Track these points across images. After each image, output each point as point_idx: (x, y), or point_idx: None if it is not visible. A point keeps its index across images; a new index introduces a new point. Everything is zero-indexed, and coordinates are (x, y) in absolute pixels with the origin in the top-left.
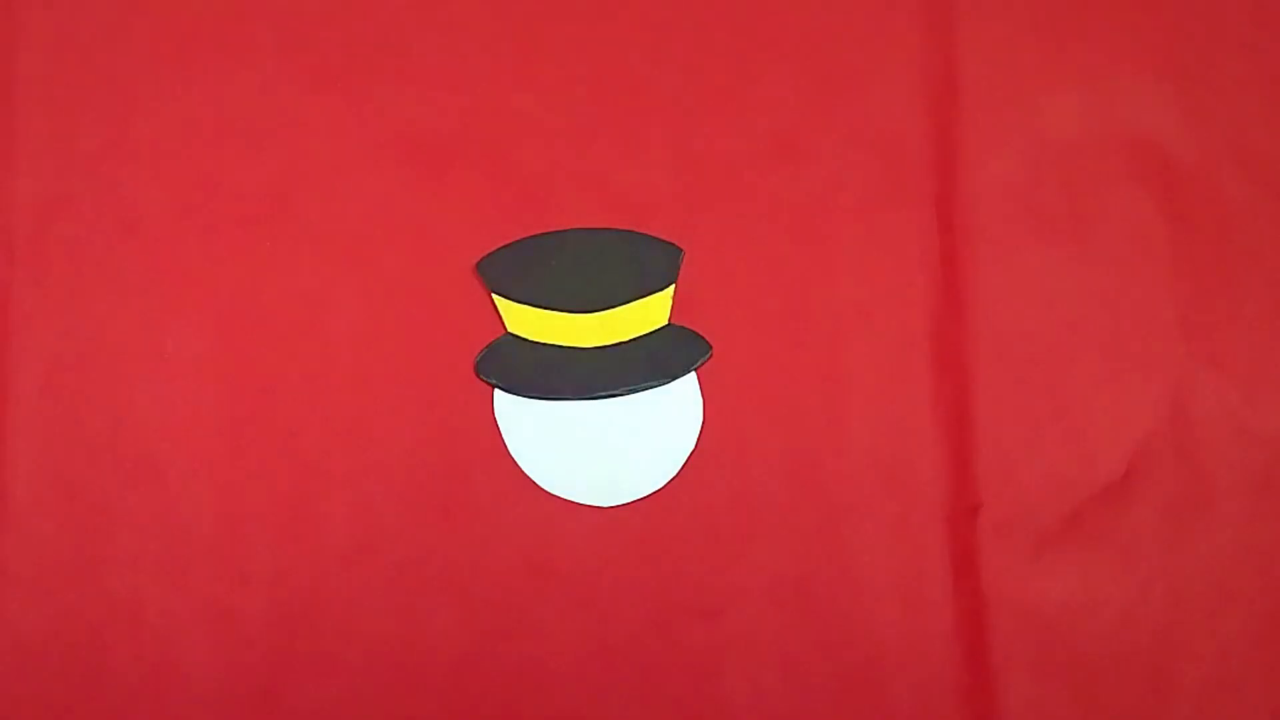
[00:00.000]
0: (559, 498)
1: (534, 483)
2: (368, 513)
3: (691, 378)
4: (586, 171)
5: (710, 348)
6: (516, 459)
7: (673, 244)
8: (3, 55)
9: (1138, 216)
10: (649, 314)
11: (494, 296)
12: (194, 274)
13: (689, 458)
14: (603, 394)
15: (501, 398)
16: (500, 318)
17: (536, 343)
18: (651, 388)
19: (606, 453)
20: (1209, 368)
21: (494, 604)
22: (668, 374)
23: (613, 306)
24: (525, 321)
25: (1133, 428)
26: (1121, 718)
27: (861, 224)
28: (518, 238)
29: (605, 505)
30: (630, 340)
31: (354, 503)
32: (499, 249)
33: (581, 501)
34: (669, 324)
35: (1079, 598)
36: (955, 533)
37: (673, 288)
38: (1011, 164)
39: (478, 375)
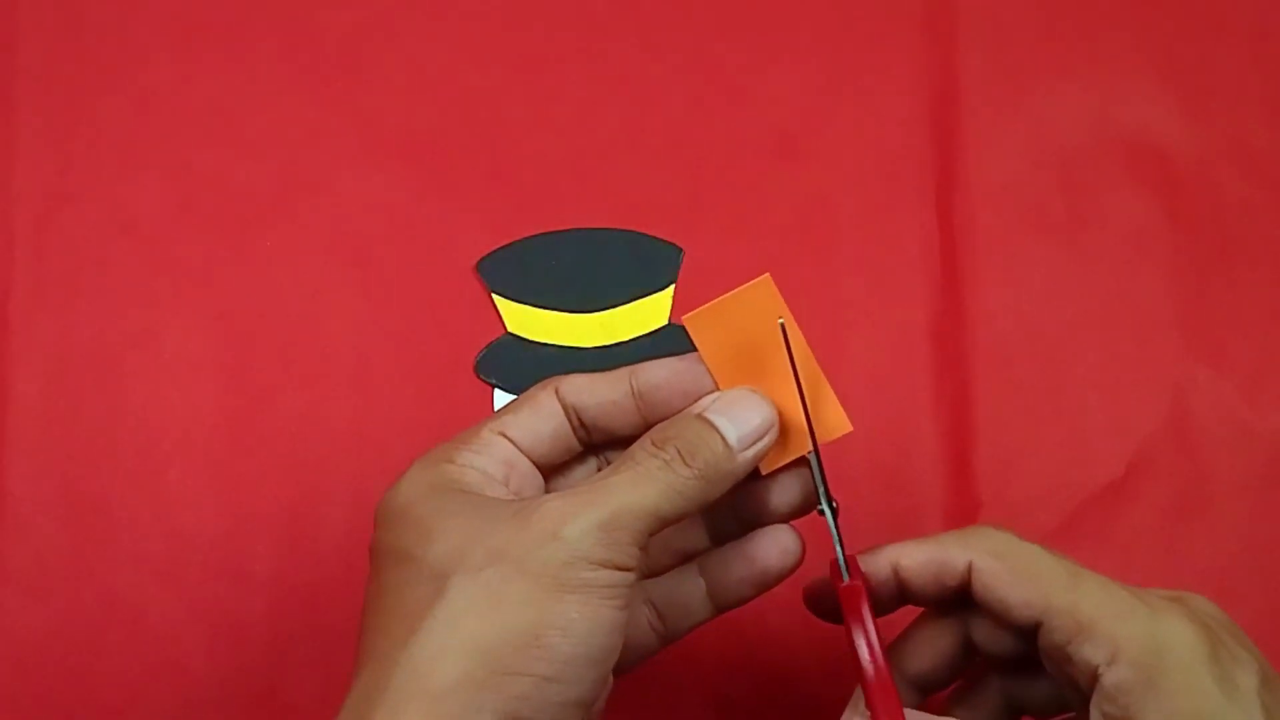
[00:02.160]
0: None
1: None
2: (368, 513)
3: None
4: (586, 171)
5: None
6: None
7: (673, 244)
8: (2, 54)
9: (1138, 216)
10: (649, 314)
11: (494, 296)
12: (194, 274)
13: None
14: None
15: (501, 398)
16: (500, 318)
17: (536, 343)
18: None
19: None
20: (1209, 368)
21: None
22: None
23: (613, 306)
24: (525, 321)
25: (1133, 428)
26: None
27: (861, 224)
28: (518, 238)
29: None
30: (630, 340)
31: (354, 503)
32: (499, 249)
33: None
34: (669, 324)
35: None
36: None
37: (673, 288)
38: (1011, 164)
39: (478, 375)
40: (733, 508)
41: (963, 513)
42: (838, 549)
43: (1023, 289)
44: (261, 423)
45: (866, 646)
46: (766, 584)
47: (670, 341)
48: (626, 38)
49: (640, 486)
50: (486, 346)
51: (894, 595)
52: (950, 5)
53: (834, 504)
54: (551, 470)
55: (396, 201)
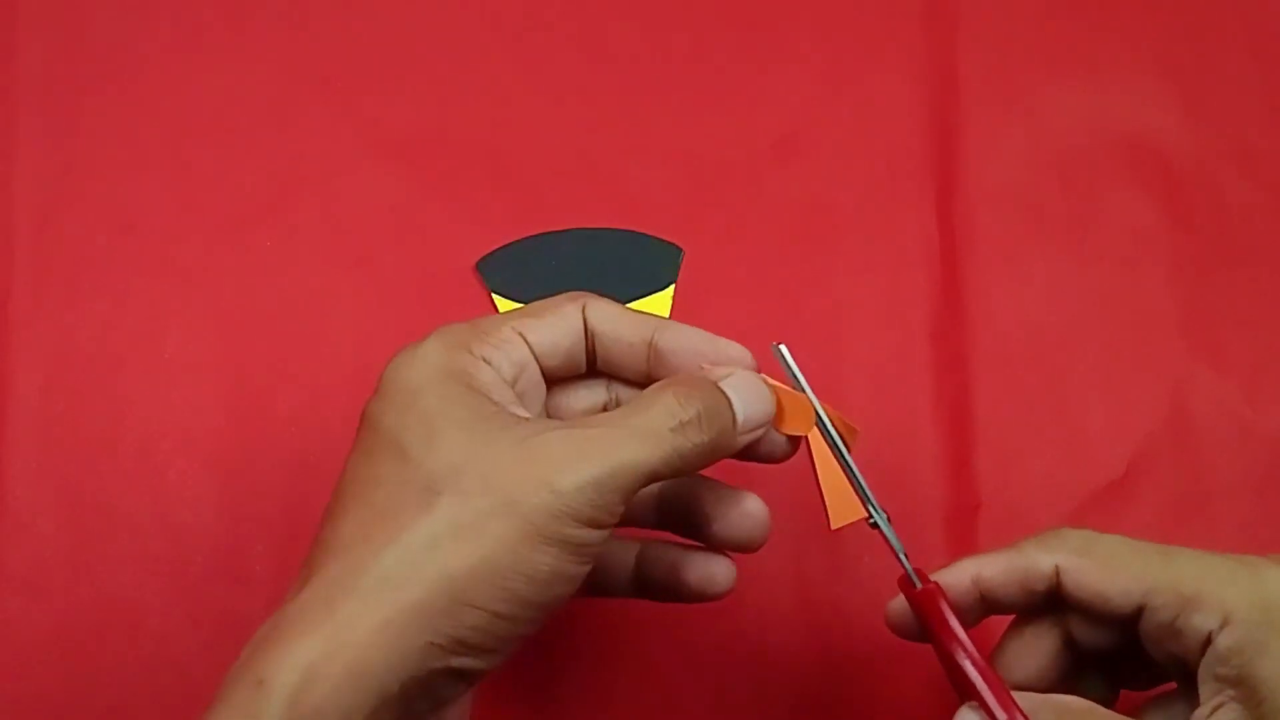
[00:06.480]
0: None
1: None
2: None
3: None
4: (586, 171)
5: None
6: None
7: (673, 244)
8: (2, 54)
9: (1138, 216)
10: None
11: (494, 296)
12: (194, 274)
13: None
14: None
15: None
16: None
17: None
18: None
19: None
20: (1209, 368)
21: None
22: None
23: None
24: None
25: (1133, 428)
26: None
27: (861, 224)
28: (518, 238)
29: None
30: None
31: None
32: (499, 249)
33: None
34: None
35: None
36: (955, 533)
37: (673, 288)
38: (1011, 164)
39: None
40: (686, 516)
41: (963, 513)
42: (902, 560)
43: (1023, 289)
44: (261, 423)
45: (958, 644)
46: (683, 599)
47: None
48: (626, 37)
49: (646, 444)
50: None
51: (975, 607)
52: (950, 5)
53: (884, 513)
54: (556, 383)
55: (396, 201)
